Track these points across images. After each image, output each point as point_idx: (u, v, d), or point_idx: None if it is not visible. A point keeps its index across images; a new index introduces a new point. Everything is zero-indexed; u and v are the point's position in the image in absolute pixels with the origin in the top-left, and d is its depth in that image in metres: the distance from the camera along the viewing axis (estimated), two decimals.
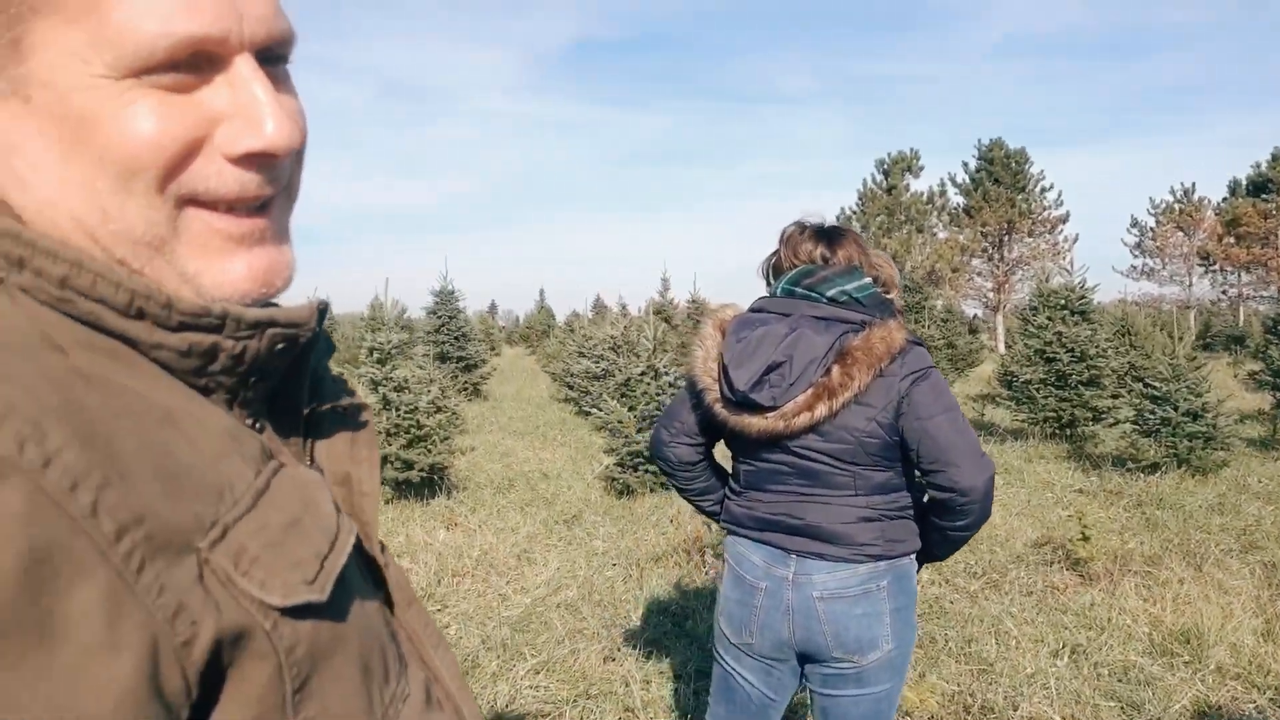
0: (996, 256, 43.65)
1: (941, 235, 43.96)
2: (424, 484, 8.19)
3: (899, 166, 44.02)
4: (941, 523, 2.29)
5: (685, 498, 2.62)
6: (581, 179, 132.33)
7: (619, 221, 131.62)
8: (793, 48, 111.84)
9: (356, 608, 0.66)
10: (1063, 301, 12.27)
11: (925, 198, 44.05)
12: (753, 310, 2.38)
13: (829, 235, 2.38)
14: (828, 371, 2.18)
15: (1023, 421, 12.29)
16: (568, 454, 10.99)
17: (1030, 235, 43.37)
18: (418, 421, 8.17)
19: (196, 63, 0.60)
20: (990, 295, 44.32)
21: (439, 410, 8.61)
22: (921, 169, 44.53)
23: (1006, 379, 13.25)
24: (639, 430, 8.31)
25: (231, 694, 0.56)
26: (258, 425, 0.68)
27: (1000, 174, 42.39)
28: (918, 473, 2.30)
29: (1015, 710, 3.98)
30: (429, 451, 8.14)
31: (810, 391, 2.18)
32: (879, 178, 44.54)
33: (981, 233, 42.71)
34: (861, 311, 2.25)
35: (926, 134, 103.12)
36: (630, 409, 8.60)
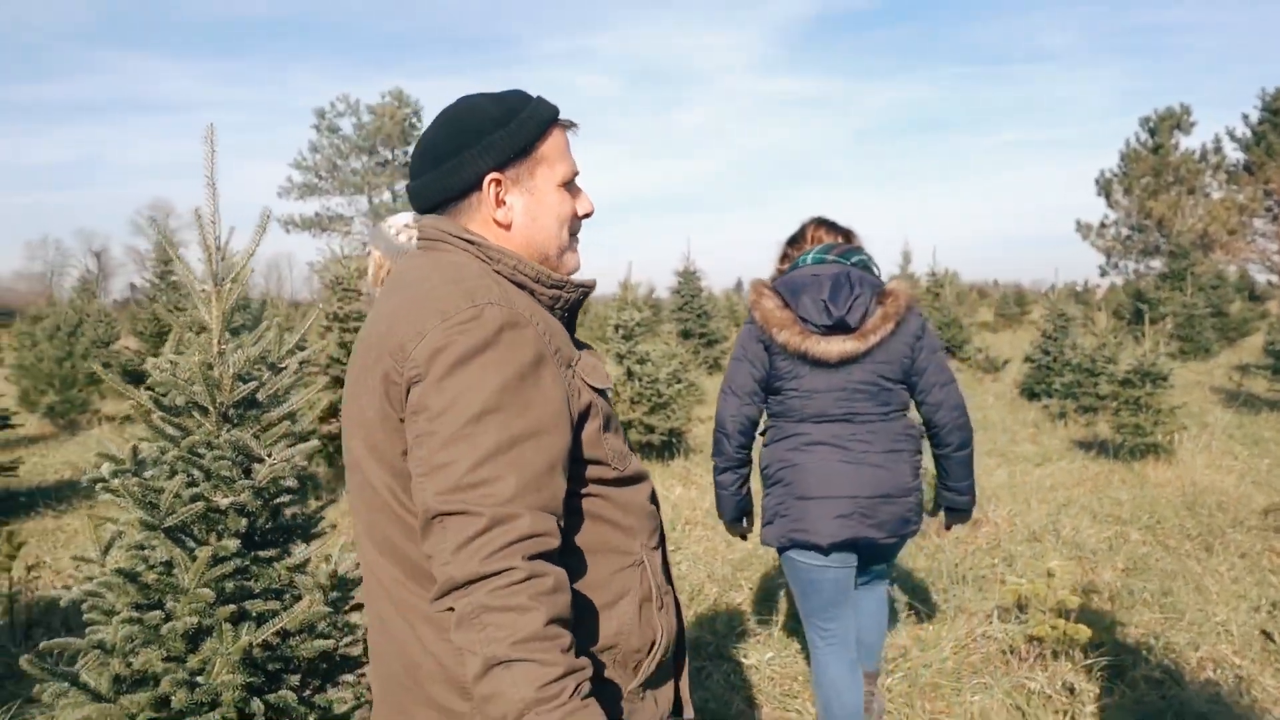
0: None
1: (1216, 195, 40.63)
2: (664, 446, 9.05)
3: (1167, 124, 41.01)
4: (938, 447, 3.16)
5: (728, 473, 3.20)
6: (828, 154, 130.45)
7: (866, 195, 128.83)
8: (1057, 1, 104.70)
9: (615, 408, 1.59)
10: None
11: (1198, 156, 40.85)
12: (794, 274, 3.09)
13: (839, 225, 3.28)
14: (880, 303, 2.94)
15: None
16: None
17: None
18: (658, 391, 9.02)
19: (571, 182, 1.59)
20: (1276, 259, 40.37)
21: (678, 381, 9.42)
22: (1193, 125, 41.27)
23: (1271, 348, 12.62)
24: None
25: (589, 424, 1.47)
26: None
27: None
28: (917, 399, 3.07)
29: (1196, 650, 4.27)
30: (669, 418, 8.98)
31: (878, 315, 2.93)
32: (1144, 137, 41.74)
33: (1265, 191, 39.05)
34: (874, 275, 3.07)
35: (1200, 87, 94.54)
36: None
